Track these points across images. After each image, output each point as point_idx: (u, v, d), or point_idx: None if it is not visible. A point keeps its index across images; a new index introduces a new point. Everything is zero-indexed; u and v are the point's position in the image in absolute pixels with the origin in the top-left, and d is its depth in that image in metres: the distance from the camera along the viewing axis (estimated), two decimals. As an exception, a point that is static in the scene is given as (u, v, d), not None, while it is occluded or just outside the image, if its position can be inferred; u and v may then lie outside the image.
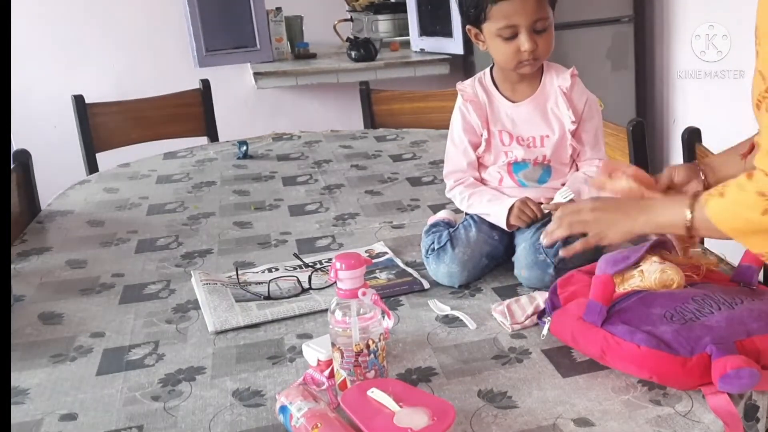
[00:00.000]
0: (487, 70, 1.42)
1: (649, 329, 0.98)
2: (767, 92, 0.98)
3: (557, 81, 1.37)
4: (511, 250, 1.36)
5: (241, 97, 3.73)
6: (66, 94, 2.62)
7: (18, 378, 1.12)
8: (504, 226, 1.34)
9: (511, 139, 1.38)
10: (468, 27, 1.36)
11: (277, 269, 1.43)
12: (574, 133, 1.37)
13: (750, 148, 1.16)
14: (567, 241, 1.29)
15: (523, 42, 1.28)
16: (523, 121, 1.38)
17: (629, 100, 3.26)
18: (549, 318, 1.10)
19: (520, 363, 1.07)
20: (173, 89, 2.74)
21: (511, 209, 1.33)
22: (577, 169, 1.41)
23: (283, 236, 1.62)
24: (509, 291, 1.29)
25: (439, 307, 1.25)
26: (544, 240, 1.20)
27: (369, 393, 0.90)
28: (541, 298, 1.19)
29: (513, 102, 1.39)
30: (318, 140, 2.44)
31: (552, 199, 1.34)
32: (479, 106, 1.39)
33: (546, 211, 1.32)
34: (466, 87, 1.41)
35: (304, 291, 1.33)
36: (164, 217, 1.80)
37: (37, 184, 1.95)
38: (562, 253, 1.20)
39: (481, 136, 1.39)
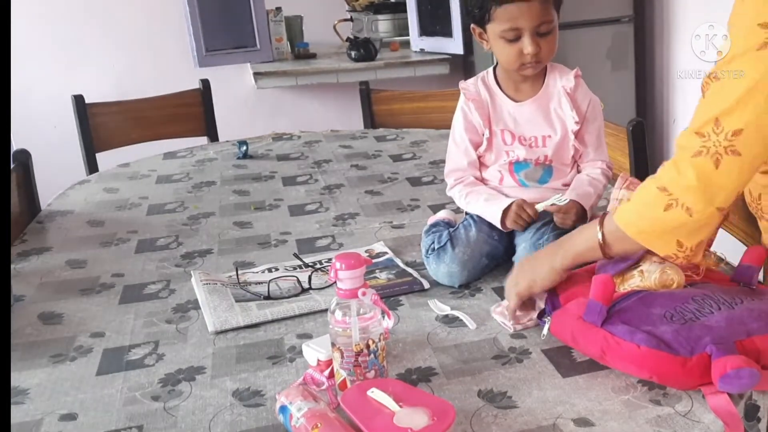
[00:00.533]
0: (491, 69, 1.42)
1: (649, 329, 0.98)
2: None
3: (561, 81, 1.37)
4: (511, 250, 1.36)
5: (241, 97, 3.73)
6: (66, 94, 2.62)
7: (18, 378, 1.12)
8: (498, 225, 1.34)
9: (513, 139, 1.38)
10: (472, 26, 1.36)
11: (277, 269, 1.43)
12: (577, 134, 1.37)
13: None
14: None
15: (526, 45, 1.28)
16: (526, 120, 1.38)
17: (629, 100, 3.26)
18: (549, 318, 1.10)
19: (520, 363, 1.07)
20: (173, 89, 2.74)
21: (506, 211, 1.33)
22: (579, 171, 1.41)
23: (283, 236, 1.62)
24: (509, 291, 1.29)
25: (439, 307, 1.25)
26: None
27: (369, 393, 0.90)
28: (540, 299, 1.19)
29: (516, 101, 1.39)
30: (318, 140, 2.44)
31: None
32: (481, 105, 1.39)
33: (541, 211, 1.32)
34: (468, 86, 1.41)
35: (304, 291, 1.33)
36: (164, 217, 1.80)
37: (37, 184, 1.95)
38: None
39: (483, 135, 1.39)
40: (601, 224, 1.07)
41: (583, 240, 1.10)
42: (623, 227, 1.03)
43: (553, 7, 1.29)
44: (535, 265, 1.14)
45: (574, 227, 1.32)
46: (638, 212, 1.02)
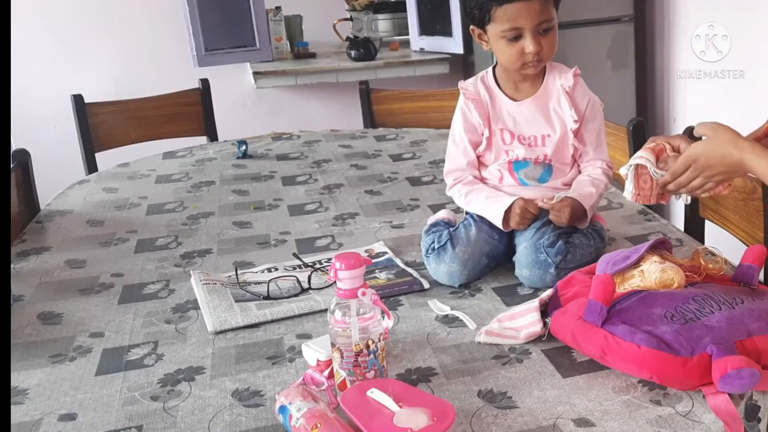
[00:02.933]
0: (490, 69, 1.42)
1: (649, 329, 0.98)
2: None
3: (560, 80, 1.36)
4: (511, 249, 1.35)
5: (241, 97, 3.73)
6: (65, 93, 2.61)
7: (17, 378, 1.11)
8: (500, 225, 1.34)
9: (513, 138, 1.38)
10: (471, 27, 1.36)
11: (276, 269, 1.43)
12: (576, 133, 1.37)
13: (765, 132, 1.16)
14: (568, 241, 1.29)
15: (528, 44, 1.28)
16: (525, 120, 1.38)
17: (629, 99, 3.26)
18: (549, 318, 1.10)
19: (520, 363, 1.06)
20: (172, 89, 2.74)
21: (508, 211, 1.32)
22: (579, 171, 1.41)
23: (282, 236, 1.62)
24: (509, 291, 1.29)
25: (439, 307, 1.25)
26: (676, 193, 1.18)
27: (369, 393, 0.90)
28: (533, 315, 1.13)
29: (515, 101, 1.38)
30: (317, 140, 2.44)
31: (551, 198, 1.33)
32: (481, 105, 1.39)
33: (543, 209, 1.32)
34: (468, 85, 1.41)
35: (303, 291, 1.33)
36: (163, 216, 1.80)
37: (37, 183, 1.95)
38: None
39: (483, 134, 1.39)
40: None
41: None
42: None
43: (552, 5, 1.29)
44: (721, 171, 1.13)
45: (569, 226, 1.32)
46: None
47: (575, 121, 1.36)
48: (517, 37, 1.29)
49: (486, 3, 1.28)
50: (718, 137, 1.12)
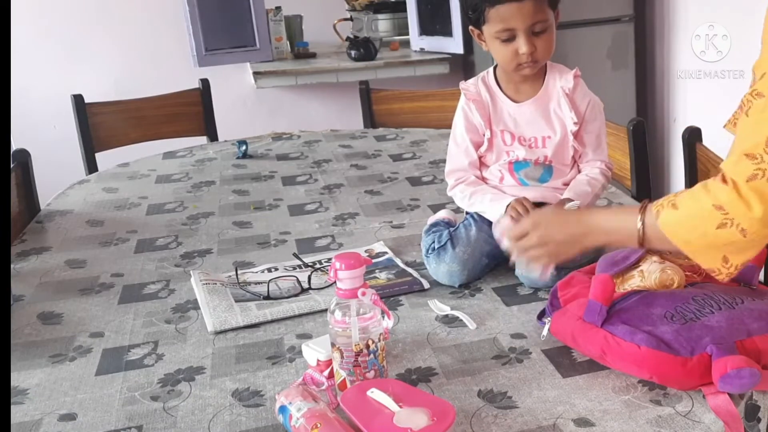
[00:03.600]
0: (491, 69, 1.42)
1: (649, 329, 0.97)
2: (752, 95, 0.94)
3: (560, 82, 1.36)
4: (511, 249, 1.35)
5: (241, 97, 3.73)
6: (65, 93, 2.61)
7: (17, 378, 1.11)
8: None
9: (513, 139, 1.38)
10: (471, 28, 1.36)
11: (276, 269, 1.43)
12: (576, 135, 1.37)
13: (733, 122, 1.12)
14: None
15: (521, 45, 1.28)
16: (526, 121, 1.38)
17: (629, 99, 3.26)
18: (549, 318, 1.10)
19: (520, 363, 1.06)
20: (173, 89, 2.73)
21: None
22: (579, 170, 1.41)
23: (282, 236, 1.62)
24: (509, 291, 1.29)
25: (439, 307, 1.25)
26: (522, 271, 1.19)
27: (369, 393, 0.90)
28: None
29: (516, 102, 1.38)
30: (318, 140, 2.44)
31: (552, 198, 1.33)
32: (482, 106, 1.39)
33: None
34: (469, 86, 1.41)
35: (303, 291, 1.33)
36: (163, 216, 1.80)
37: (37, 183, 1.95)
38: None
39: (484, 135, 1.39)
40: (642, 214, 1.01)
41: (619, 226, 1.05)
42: (669, 235, 0.98)
43: (548, 5, 1.29)
44: (558, 248, 1.12)
45: None
46: (687, 224, 0.97)
47: (575, 123, 1.36)
48: (510, 37, 1.29)
49: (479, 4, 1.28)
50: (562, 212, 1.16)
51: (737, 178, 0.92)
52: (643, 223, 1.01)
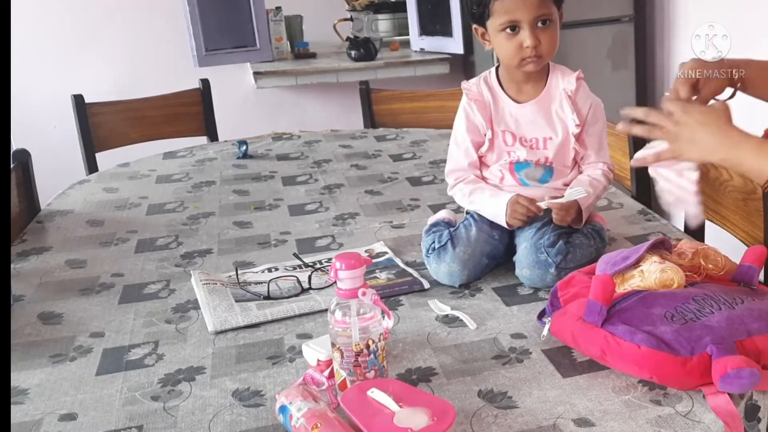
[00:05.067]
0: (493, 69, 1.42)
1: (649, 329, 0.98)
2: None
3: (562, 84, 1.37)
4: (511, 249, 1.36)
5: (241, 97, 3.73)
6: (65, 93, 2.61)
7: (17, 378, 1.11)
8: (503, 223, 1.34)
9: (514, 140, 1.38)
10: (474, 26, 1.36)
11: (276, 269, 1.43)
12: (578, 137, 1.37)
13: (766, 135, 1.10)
14: (568, 241, 1.29)
15: (525, 38, 1.28)
16: (527, 122, 1.38)
17: (629, 99, 3.25)
18: (549, 318, 1.10)
19: (520, 363, 1.06)
20: (173, 89, 2.73)
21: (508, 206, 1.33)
22: (580, 171, 1.41)
23: (282, 236, 1.62)
24: (509, 291, 1.29)
25: (439, 307, 1.25)
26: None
27: (369, 393, 0.90)
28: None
29: (518, 102, 1.39)
30: (318, 140, 2.44)
31: (553, 197, 1.33)
32: (484, 106, 1.39)
33: (545, 208, 1.31)
34: (471, 86, 1.41)
35: (303, 291, 1.33)
36: (164, 216, 1.80)
37: (37, 183, 1.95)
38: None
39: (485, 135, 1.39)
40: None
41: (756, 164, 1.03)
42: None
43: (552, 1, 1.30)
44: (693, 141, 1.07)
45: (570, 226, 1.32)
46: None
47: (577, 126, 1.36)
48: (515, 30, 1.29)
49: None
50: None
51: None
52: None
